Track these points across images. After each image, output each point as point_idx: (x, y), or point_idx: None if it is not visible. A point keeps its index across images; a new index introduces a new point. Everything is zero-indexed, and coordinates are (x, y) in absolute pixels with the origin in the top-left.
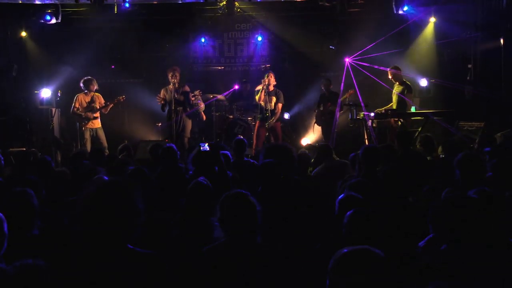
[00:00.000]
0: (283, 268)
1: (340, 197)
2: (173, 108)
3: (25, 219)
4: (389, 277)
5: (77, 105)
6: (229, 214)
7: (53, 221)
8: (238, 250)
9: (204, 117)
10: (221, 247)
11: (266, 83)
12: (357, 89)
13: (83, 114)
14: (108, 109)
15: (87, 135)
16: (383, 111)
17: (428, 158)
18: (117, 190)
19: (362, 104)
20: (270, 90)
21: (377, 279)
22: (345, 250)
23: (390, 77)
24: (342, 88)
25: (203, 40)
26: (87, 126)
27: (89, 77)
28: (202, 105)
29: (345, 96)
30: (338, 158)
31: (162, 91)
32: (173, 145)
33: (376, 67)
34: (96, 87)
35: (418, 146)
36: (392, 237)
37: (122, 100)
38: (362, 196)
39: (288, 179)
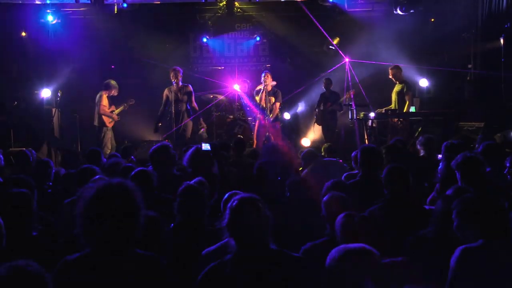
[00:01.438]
0: (294, 272)
1: (325, 198)
2: (173, 108)
3: (23, 220)
4: (384, 274)
5: (105, 104)
6: (236, 221)
7: (51, 223)
8: (247, 257)
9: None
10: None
11: (267, 83)
12: (347, 88)
13: (113, 115)
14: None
15: (111, 134)
16: (383, 111)
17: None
18: (117, 191)
19: (354, 106)
20: (269, 90)
21: (373, 276)
22: (342, 248)
23: (390, 76)
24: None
25: (205, 40)
26: (109, 125)
27: (113, 80)
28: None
29: (346, 97)
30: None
31: (166, 91)
32: (167, 143)
33: (384, 63)
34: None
35: (418, 147)
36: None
37: (132, 103)
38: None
39: (286, 179)
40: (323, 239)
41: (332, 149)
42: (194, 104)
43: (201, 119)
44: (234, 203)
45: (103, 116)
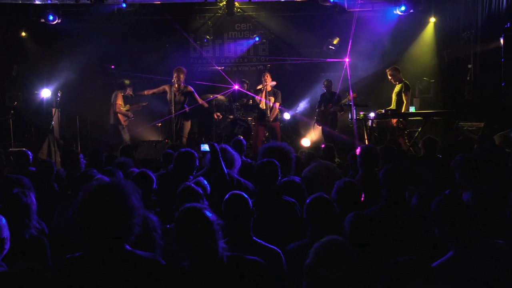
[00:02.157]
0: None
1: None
2: (173, 108)
3: (20, 220)
4: (357, 265)
5: (121, 102)
6: (181, 232)
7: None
8: (199, 270)
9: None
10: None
11: (266, 83)
12: (347, 90)
13: (128, 113)
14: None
15: (126, 133)
16: (383, 111)
17: None
18: (113, 191)
19: (352, 103)
20: (268, 90)
21: (346, 267)
22: (317, 244)
23: (389, 77)
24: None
25: (206, 40)
26: (124, 124)
27: (127, 80)
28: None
29: (345, 100)
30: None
31: (166, 86)
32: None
33: (384, 63)
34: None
35: (420, 148)
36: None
37: (144, 104)
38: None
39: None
40: (304, 241)
41: (331, 149)
42: (201, 101)
43: (215, 113)
44: (177, 214)
45: (119, 115)
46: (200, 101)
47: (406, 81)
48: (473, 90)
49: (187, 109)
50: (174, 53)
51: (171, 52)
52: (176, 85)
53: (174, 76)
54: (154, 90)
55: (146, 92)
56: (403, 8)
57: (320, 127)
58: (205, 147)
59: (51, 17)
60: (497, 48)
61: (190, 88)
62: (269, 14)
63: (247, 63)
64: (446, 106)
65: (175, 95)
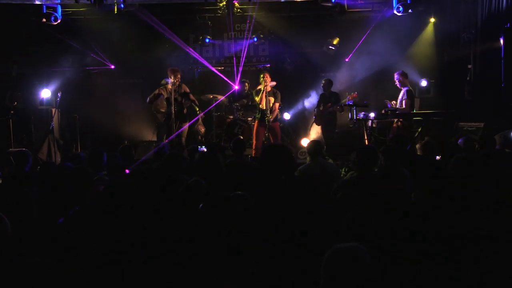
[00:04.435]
0: None
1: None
2: (173, 109)
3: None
4: (376, 273)
5: (159, 102)
6: None
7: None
8: None
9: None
10: None
11: (266, 83)
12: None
13: (163, 111)
14: None
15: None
16: (383, 112)
17: None
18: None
19: (352, 103)
20: (268, 90)
21: (364, 275)
22: (334, 248)
23: (395, 81)
24: None
25: (207, 40)
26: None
27: (164, 80)
28: (203, 130)
29: (344, 100)
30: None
31: (159, 90)
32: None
33: (384, 64)
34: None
35: (418, 151)
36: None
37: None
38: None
39: (287, 179)
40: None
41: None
42: (193, 98)
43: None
44: None
45: (158, 114)
46: (193, 98)
47: (411, 87)
48: (473, 90)
49: (185, 110)
50: (174, 52)
51: (171, 52)
52: (170, 85)
53: (171, 77)
54: (152, 99)
55: (148, 101)
56: (400, 8)
57: (319, 127)
58: (204, 149)
59: (53, 18)
60: (497, 48)
61: (187, 89)
62: (269, 14)
63: (247, 63)
64: (446, 106)
65: (174, 96)
